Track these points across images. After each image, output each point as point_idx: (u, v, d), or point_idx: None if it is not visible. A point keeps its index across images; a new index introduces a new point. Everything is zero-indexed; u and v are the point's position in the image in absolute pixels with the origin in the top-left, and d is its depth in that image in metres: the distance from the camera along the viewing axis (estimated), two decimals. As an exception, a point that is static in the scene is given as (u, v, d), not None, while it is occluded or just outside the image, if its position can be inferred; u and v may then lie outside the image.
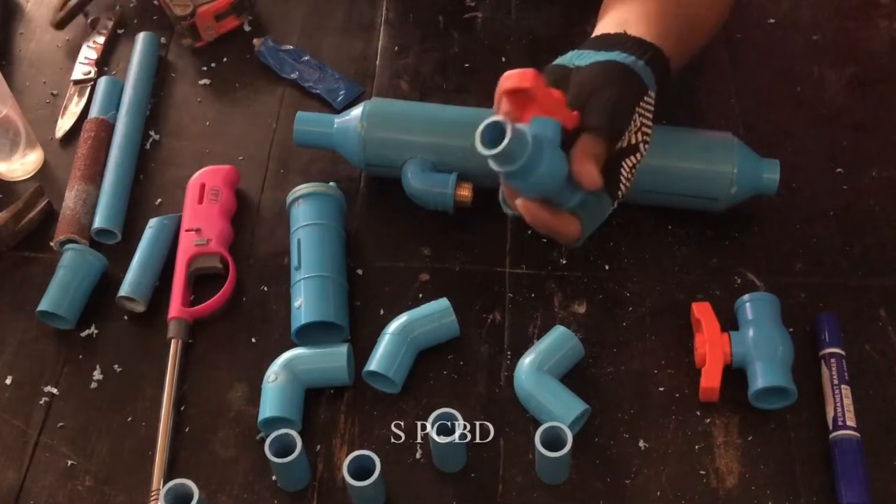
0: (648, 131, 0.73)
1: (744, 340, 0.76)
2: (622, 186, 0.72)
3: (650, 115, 0.74)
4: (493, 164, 0.64)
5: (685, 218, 0.86)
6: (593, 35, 0.79)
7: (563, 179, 0.67)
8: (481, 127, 0.63)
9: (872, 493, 0.71)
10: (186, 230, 0.85)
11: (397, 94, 0.97)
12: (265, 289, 0.85)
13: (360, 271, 0.85)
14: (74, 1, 1.03)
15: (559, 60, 0.76)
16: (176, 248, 0.85)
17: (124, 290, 0.82)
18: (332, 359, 0.77)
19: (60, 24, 1.02)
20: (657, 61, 0.75)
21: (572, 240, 0.71)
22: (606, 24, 0.79)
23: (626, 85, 0.72)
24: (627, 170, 0.73)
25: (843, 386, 0.75)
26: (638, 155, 0.73)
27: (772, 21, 1.03)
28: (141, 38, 1.01)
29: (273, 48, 1.01)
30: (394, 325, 0.79)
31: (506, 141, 0.62)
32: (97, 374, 0.80)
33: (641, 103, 0.72)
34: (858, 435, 0.73)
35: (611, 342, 0.80)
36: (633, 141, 0.72)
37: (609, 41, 0.76)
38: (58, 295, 0.82)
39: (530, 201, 0.69)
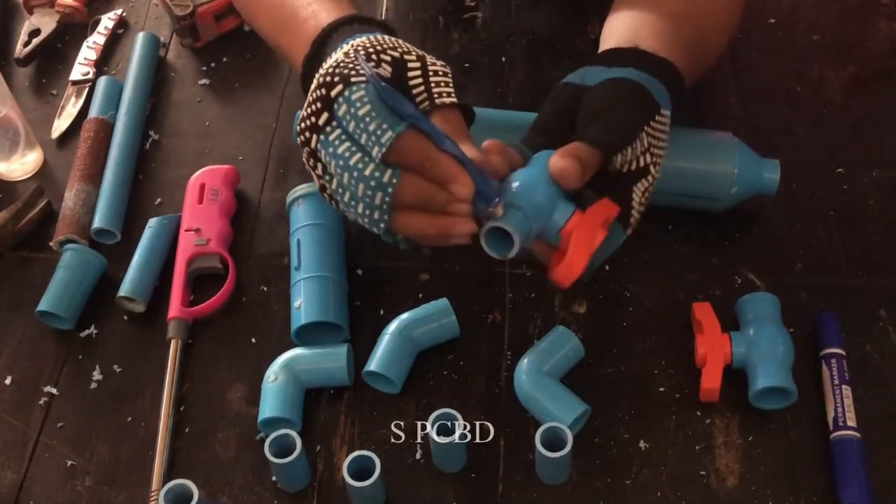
0: (660, 153, 0.72)
1: (744, 340, 0.76)
2: (634, 212, 0.71)
3: (663, 136, 0.72)
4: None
5: (685, 218, 0.86)
6: (604, 48, 0.78)
7: (551, 212, 0.67)
8: (483, 236, 0.66)
9: (872, 494, 0.71)
10: (186, 230, 0.85)
11: (397, 94, 0.97)
12: (265, 289, 0.84)
13: (360, 271, 0.85)
14: (39, 39, 1.02)
15: (570, 78, 0.75)
16: (176, 248, 0.85)
17: (124, 290, 0.82)
18: (332, 359, 0.77)
19: (24, 62, 1.01)
20: (672, 78, 0.74)
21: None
22: (617, 37, 0.79)
23: (637, 104, 0.71)
24: (639, 195, 0.71)
25: (843, 386, 0.75)
26: (650, 178, 0.71)
27: (772, 21, 1.03)
28: (141, 38, 1.01)
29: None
30: (394, 325, 0.79)
31: (514, 249, 0.65)
32: (97, 375, 0.80)
33: (652, 123, 0.71)
34: (859, 435, 0.73)
35: (611, 342, 0.80)
36: (643, 163, 0.70)
37: (622, 57, 0.75)
38: (57, 295, 0.82)
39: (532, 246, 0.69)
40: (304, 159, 0.69)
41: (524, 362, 0.77)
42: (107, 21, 1.05)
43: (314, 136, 0.67)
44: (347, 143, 0.66)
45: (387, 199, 0.65)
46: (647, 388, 0.78)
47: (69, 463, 0.76)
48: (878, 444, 0.74)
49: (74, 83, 1.00)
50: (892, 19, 1.03)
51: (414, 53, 0.69)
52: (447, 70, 0.70)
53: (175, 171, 0.93)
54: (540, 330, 0.80)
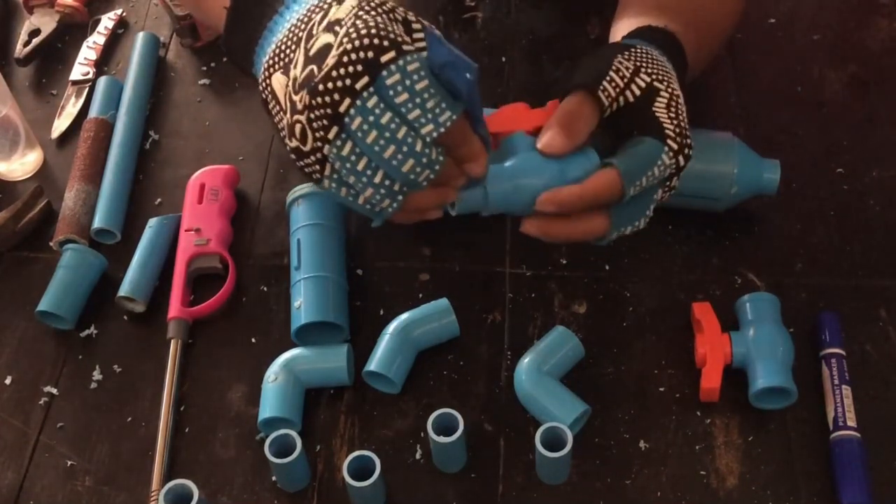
0: (658, 71, 0.70)
1: (744, 340, 0.76)
2: (668, 126, 0.69)
3: (650, 60, 0.71)
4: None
5: (685, 218, 0.86)
6: None
7: (557, 174, 0.68)
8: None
9: (872, 494, 0.71)
10: (186, 230, 0.85)
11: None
12: (265, 289, 0.84)
13: (360, 271, 0.85)
14: (39, 39, 1.02)
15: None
16: (176, 248, 0.85)
17: (124, 290, 0.82)
18: (332, 359, 0.77)
19: (24, 62, 1.01)
20: (658, 36, 0.74)
21: (617, 196, 0.68)
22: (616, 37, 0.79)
23: (609, 49, 0.71)
24: (664, 110, 0.69)
25: (843, 386, 0.75)
26: (664, 94, 0.69)
27: (772, 21, 1.03)
28: (141, 38, 1.01)
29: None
30: (394, 325, 0.79)
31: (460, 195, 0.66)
32: (97, 374, 0.80)
33: (627, 52, 0.70)
34: (859, 435, 0.73)
35: (611, 342, 0.80)
36: (643, 84, 0.69)
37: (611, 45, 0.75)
38: (57, 295, 0.82)
39: (539, 217, 0.69)
40: (302, 118, 0.63)
41: (524, 362, 0.77)
42: (107, 21, 1.05)
43: (347, 100, 0.61)
44: (390, 113, 0.61)
45: (431, 176, 0.63)
46: (647, 388, 0.78)
47: (69, 463, 0.76)
48: (878, 444, 0.74)
49: (74, 83, 1.00)
50: (892, 19, 1.03)
51: (400, 8, 0.65)
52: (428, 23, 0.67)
53: (175, 171, 0.93)
54: (540, 330, 0.80)
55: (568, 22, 1.03)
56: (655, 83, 0.70)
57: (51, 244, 0.87)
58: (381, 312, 0.82)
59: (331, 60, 0.61)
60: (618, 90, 0.69)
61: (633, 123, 0.70)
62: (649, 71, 0.70)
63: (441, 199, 0.66)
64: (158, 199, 0.91)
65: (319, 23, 0.64)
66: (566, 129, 0.68)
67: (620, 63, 0.70)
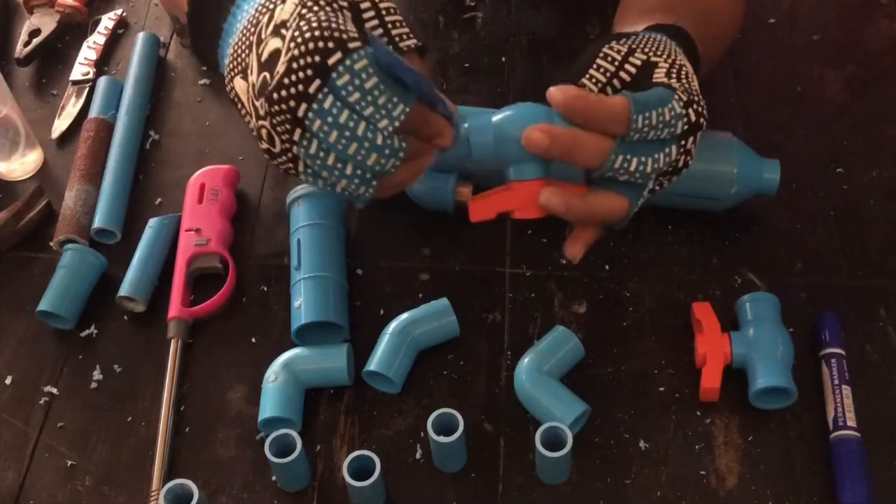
0: (657, 50, 0.70)
1: (744, 340, 0.76)
2: (675, 83, 0.68)
3: (649, 43, 0.70)
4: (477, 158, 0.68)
5: (685, 218, 0.86)
6: None
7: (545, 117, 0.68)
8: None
9: (872, 493, 0.71)
10: (186, 230, 0.85)
11: (397, 94, 0.97)
12: (265, 289, 0.85)
13: (360, 271, 0.85)
14: (40, 39, 1.02)
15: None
16: (176, 248, 0.85)
17: (124, 290, 0.82)
18: (332, 359, 0.77)
19: (25, 62, 1.01)
20: (666, 29, 0.73)
21: (623, 120, 0.66)
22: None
23: (603, 39, 0.71)
24: (664, 77, 0.68)
25: (843, 386, 0.75)
26: (663, 65, 0.69)
27: (772, 21, 1.03)
28: (141, 38, 1.01)
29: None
30: (394, 325, 0.79)
31: (469, 145, 0.67)
32: (97, 374, 0.80)
33: (620, 40, 0.70)
34: (859, 435, 0.73)
35: (611, 342, 0.80)
36: (638, 62, 0.69)
37: None
38: (58, 295, 0.82)
39: (557, 191, 0.68)
40: (266, 123, 0.64)
41: (524, 362, 0.77)
42: (107, 21, 1.05)
43: (303, 105, 0.61)
44: (347, 111, 0.62)
45: (397, 163, 0.64)
46: (647, 388, 0.78)
47: (69, 463, 0.76)
48: (878, 444, 0.74)
49: (75, 83, 1.00)
50: (893, 19, 1.03)
51: None
52: (394, 6, 0.67)
53: (175, 171, 0.93)
54: (540, 330, 0.80)
55: (568, 22, 1.03)
56: (652, 58, 0.70)
57: (51, 244, 0.87)
58: (381, 312, 0.82)
59: (281, 68, 0.61)
60: (608, 74, 0.69)
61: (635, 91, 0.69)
62: (645, 50, 0.70)
63: (415, 174, 0.67)
64: (158, 199, 0.91)
65: (267, 25, 0.64)
66: (540, 137, 0.67)
67: (610, 49, 0.70)
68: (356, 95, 0.61)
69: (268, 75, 0.63)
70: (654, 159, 0.68)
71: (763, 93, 0.97)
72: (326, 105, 0.61)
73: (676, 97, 0.68)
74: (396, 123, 0.62)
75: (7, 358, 0.81)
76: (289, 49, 0.61)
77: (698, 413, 0.76)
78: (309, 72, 0.61)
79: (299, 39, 0.61)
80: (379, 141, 0.63)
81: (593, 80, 0.69)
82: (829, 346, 0.77)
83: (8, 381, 0.80)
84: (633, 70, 0.69)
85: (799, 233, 0.87)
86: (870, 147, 0.92)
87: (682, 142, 0.69)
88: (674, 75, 0.69)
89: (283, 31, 0.63)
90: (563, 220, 0.72)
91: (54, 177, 0.93)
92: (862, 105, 0.96)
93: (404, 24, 0.68)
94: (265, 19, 0.64)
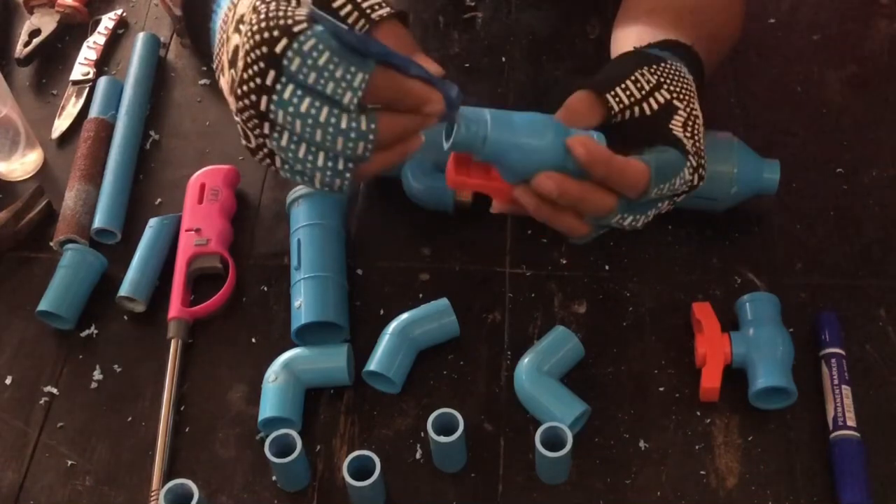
0: (679, 90, 0.70)
1: (744, 340, 0.76)
2: (686, 142, 0.68)
3: (675, 78, 0.70)
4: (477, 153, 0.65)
5: (685, 218, 0.86)
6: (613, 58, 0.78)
7: (559, 149, 0.66)
8: (445, 128, 0.65)
9: (872, 493, 0.71)
10: (186, 230, 0.85)
11: (397, 94, 0.97)
12: (265, 289, 0.85)
13: (360, 271, 0.85)
14: (40, 39, 1.02)
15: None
16: (176, 248, 0.85)
17: (124, 290, 0.82)
18: (332, 359, 0.77)
19: (25, 62, 1.01)
20: (678, 49, 0.74)
21: (641, 183, 0.66)
22: (623, 45, 0.79)
23: (633, 58, 0.70)
24: (680, 127, 0.68)
25: (843, 386, 0.75)
26: (682, 112, 0.69)
27: (772, 21, 1.03)
28: (141, 38, 1.01)
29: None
30: (394, 325, 0.79)
31: (460, 129, 0.63)
32: (97, 374, 0.80)
33: (653, 66, 0.70)
34: (858, 435, 0.73)
35: (611, 342, 0.80)
36: (662, 100, 0.69)
37: (625, 54, 0.75)
38: (58, 295, 0.82)
39: (556, 176, 0.66)
40: (236, 115, 0.64)
41: (524, 362, 0.77)
42: (107, 21, 1.05)
43: (263, 98, 0.61)
44: (309, 98, 0.61)
45: (369, 146, 0.62)
46: (647, 388, 0.78)
47: (69, 463, 0.76)
48: (878, 444, 0.74)
49: (75, 83, 1.00)
50: (892, 19, 1.03)
51: None
52: None
53: (175, 171, 0.93)
54: (540, 330, 0.80)
55: (568, 22, 1.03)
56: (675, 101, 0.70)
57: (51, 244, 0.87)
58: (381, 312, 0.82)
59: (240, 63, 0.62)
60: (632, 99, 0.69)
61: (648, 137, 0.69)
62: (671, 88, 0.70)
63: (402, 153, 0.65)
64: (158, 199, 0.91)
65: (231, 21, 0.64)
66: (568, 113, 0.67)
67: (643, 74, 0.69)
68: (313, 76, 0.60)
69: (234, 72, 0.63)
70: (647, 216, 0.70)
71: (763, 93, 0.97)
72: (286, 95, 0.61)
73: (688, 164, 0.68)
74: (360, 93, 0.61)
75: (7, 358, 0.81)
76: (244, 44, 0.61)
77: (698, 413, 0.76)
78: (262, 64, 0.60)
79: (249, 33, 0.61)
80: (343, 124, 0.61)
81: (617, 100, 0.69)
82: (829, 346, 0.77)
83: (8, 381, 0.80)
84: (656, 106, 0.69)
85: (799, 233, 0.87)
86: (870, 147, 0.92)
87: (676, 198, 0.71)
88: (689, 128, 0.69)
89: (242, 26, 0.62)
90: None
91: (54, 177, 0.93)
92: (862, 105, 0.96)
93: None
94: (231, 15, 0.64)
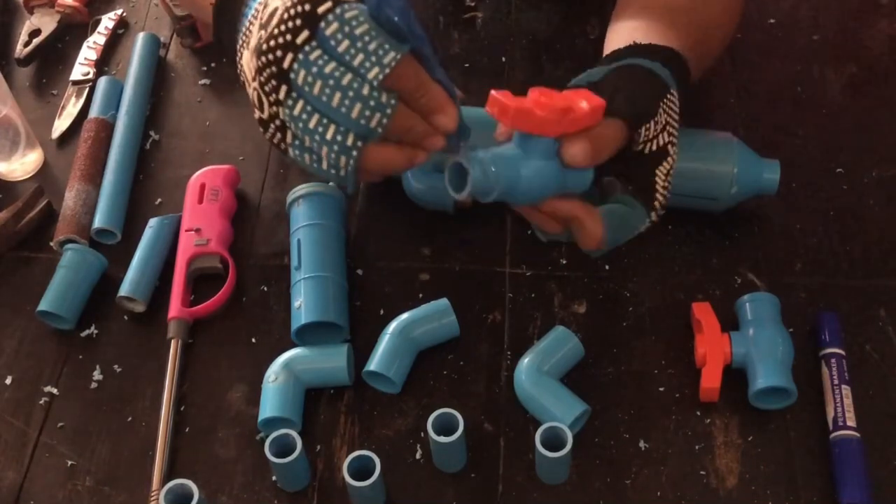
0: (675, 133, 0.70)
1: (744, 340, 0.76)
2: (658, 196, 0.70)
3: (675, 116, 0.71)
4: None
5: (685, 218, 0.86)
6: (604, 55, 0.78)
7: (557, 186, 0.66)
8: (447, 170, 0.64)
9: (872, 493, 0.71)
10: (186, 230, 0.85)
11: (397, 94, 0.97)
12: (265, 289, 0.85)
13: (360, 271, 0.85)
14: (40, 39, 1.02)
15: (574, 82, 0.74)
16: (176, 248, 0.85)
17: (124, 290, 0.82)
18: (332, 359, 0.77)
19: (25, 62, 1.01)
20: (675, 62, 0.74)
21: (593, 243, 0.68)
22: (615, 41, 0.78)
23: (650, 80, 0.70)
24: (662, 177, 0.69)
25: (843, 386, 0.75)
26: (669, 160, 0.70)
27: (772, 21, 1.03)
28: (141, 38, 1.01)
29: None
30: (394, 325, 0.79)
31: (468, 186, 0.62)
32: (97, 374, 0.80)
33: (665, 100, 0.70)
34: (858, 435, 0.73)
35: (611, 342, 0.80)
36: (662, 142, 0.69)
37: (623, 52, 0.74)
38: (58, 295, 0.82)
39: (534, 207, 0.68)
40: (256, 84, 0.63)
41: (524, 362, 0.77)
42: (107, 21, 1.05)
43: (289, 55, 0.61)
44: (334, 63, 0.61)
45: (384, 121, 0.62)
46: (647, 388, 0.78)
47: (69, 463, 0.76)
48: (878, 444, 0.74)
49: (75, 83, 1.00)
50: (893, 19, 1.03)
51: None
52: None
53: (175, 171, 0.93)
54: (540, 330, 0.80)
55: (568, 22, 1.03)
56: (669, 147, 0.70)
57: (51, 244, 0.87)
58: (381, 312, 0.82)
59: (274, 20, 0.61)
60: (647, 138, 0.69)
61: (632, 174, 0.69)
62: (670, 131, 0.70)
63: (410, 158, 0.65)
64: (158, 199, 0.91)
65: None
66: (595, 151, 0.65)
67: (661, 112, 0.69)
68: (345, 44, 0.60)
69: (264, 32, 0.62)
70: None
71: (763, 93, 0.97)
72: (313, 56, 0.61)
73: (648, 221, 0.71)
74: (387, 70, 0.61)
75: (7, 358, 0.81)
76: (284, 4, 0.61)
77: (698, 413, 0.76)
78: (298, 21, 0.60)
79: None
80: (365, 91, 0.61)
81: (641, 135, 0.68)
82: (829, 346, 0.77)
83: (8, 381, 0.80)
84: (654, 148, 0.69)
85: (799, 233, 0.87)
86: (870, 147, 0.92)
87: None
88: (668, 178, 0.70)
89: None
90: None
91: (54, 177, 0.93)
92: (862, 105, 0.96)
93: None
94: None
